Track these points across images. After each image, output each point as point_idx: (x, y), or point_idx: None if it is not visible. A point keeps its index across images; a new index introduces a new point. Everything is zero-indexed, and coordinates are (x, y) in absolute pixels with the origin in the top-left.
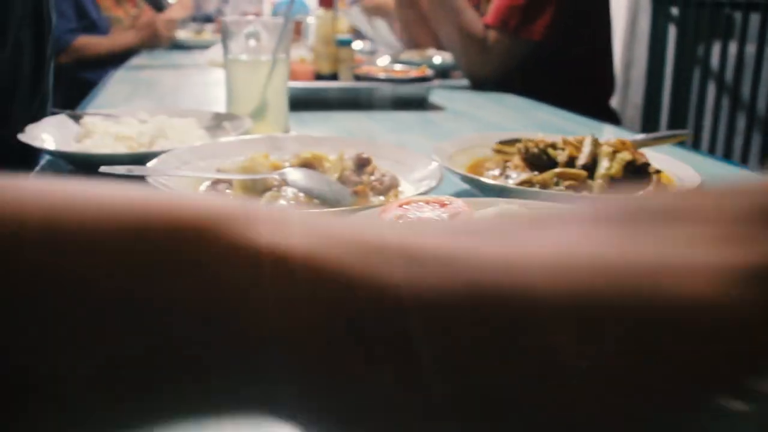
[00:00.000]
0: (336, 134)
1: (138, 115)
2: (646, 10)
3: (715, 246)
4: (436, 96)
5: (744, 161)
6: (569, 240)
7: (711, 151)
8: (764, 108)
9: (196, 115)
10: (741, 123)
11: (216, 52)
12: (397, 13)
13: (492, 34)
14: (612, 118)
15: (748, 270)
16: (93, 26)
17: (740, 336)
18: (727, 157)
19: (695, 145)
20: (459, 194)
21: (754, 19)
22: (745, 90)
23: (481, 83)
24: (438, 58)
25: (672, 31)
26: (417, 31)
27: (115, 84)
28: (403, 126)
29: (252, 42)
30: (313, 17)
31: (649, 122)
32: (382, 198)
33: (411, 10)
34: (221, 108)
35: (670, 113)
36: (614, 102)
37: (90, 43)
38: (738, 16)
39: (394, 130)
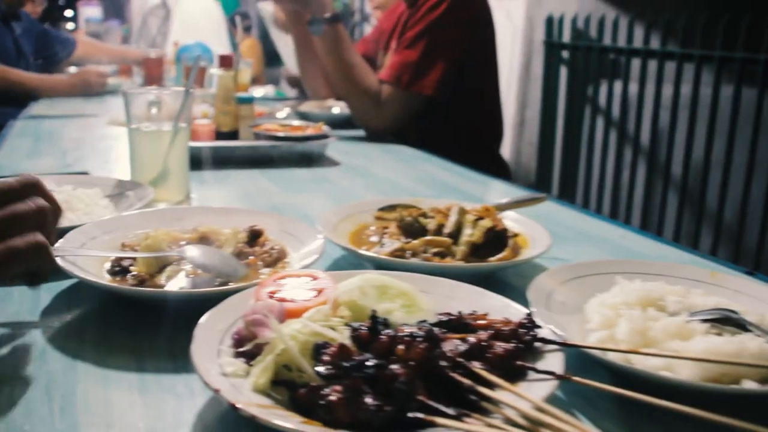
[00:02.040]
0: (234, 194)
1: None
2: (539, 53)
3: None
4: (333, 149)
5: (631, 189)
6: None
7: (601, 181)
8: (647, 141)
9: (100, 183)
10: (627, 155)
11: (117, 110)
12: (298, 64)
13: (386, 89)
14: (500, 165)
15: None
16: None
17: None
18: (616, 184)
19: (587, 178)
20: (343, 259)
21: (635, 63)
22: (630, 125)
23: (375, 134)
24: (337, 108)
25: (563, 73)
26: (316, 83)
27: (17, 138)
28: (299, 184)
29: (154, 110)
30: (215, 71)
31: (543, 159)
32: (269, 270)
33: (310, 63)
34: (126, 168)
35: (563, 149)
36: (510, 140)
37: (15, 72)
38: (622, 59)
39: (289, 190)
